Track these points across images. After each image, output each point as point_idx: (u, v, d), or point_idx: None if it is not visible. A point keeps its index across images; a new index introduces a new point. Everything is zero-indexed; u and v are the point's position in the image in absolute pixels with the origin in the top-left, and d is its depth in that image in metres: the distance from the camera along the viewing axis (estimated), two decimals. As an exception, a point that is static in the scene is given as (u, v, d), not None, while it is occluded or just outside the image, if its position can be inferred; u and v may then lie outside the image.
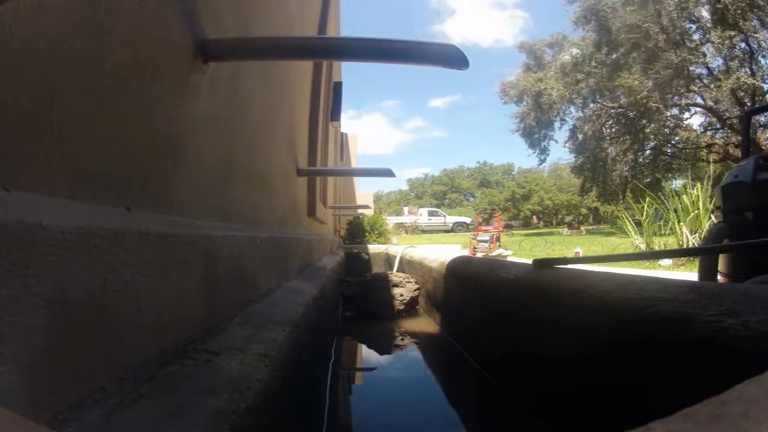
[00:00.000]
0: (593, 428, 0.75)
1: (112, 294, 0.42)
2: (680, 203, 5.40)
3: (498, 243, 8.79)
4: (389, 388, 1.40)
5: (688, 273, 3.91)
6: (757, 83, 11.07)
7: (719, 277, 0.87)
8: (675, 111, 13.51)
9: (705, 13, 11.52)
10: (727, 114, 12.15)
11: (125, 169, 0.50)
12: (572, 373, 0.84)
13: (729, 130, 12.13)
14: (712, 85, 12.06)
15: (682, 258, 4.84)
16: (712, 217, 4.62)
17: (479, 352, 1.43)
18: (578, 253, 4.93)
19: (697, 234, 4.96)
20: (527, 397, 1.03)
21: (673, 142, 13.79)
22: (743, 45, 11.28)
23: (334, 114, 4.09)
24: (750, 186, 0.88)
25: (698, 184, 5.29)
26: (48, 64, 0.37)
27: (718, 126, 12.91)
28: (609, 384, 0.74)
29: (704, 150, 13.00)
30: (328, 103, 3.80)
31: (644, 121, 12.98)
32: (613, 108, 13.69)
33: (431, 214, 24.86)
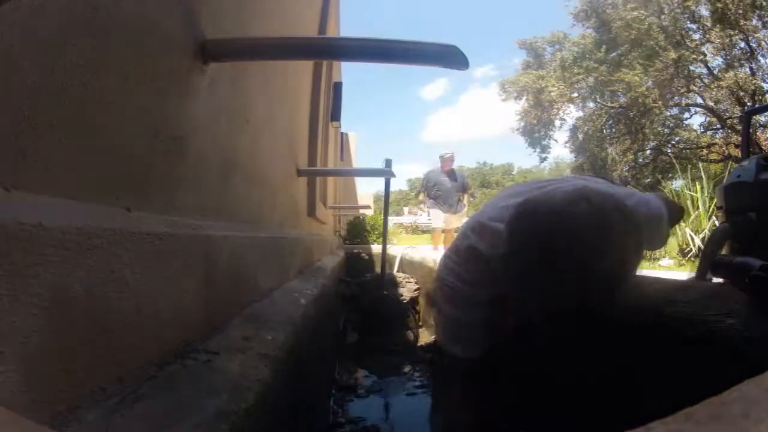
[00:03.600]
0: (594, 428, 0.74)
1: (112, 294, 0.42)
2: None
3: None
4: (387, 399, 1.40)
5: (689, 273, 3.91)
6: (757, 83, 11.06)
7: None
8: (675, 111, 13.50)
9: (705, 12, 11.52)
10: (727, 114, 12.15)
11: (125, 169, 0.50)
12: (572, 374, 0.84)
13: (729, 130, 12.12)
14: (712, 85, 12.06)
15: (683, 257, 4.84)
16: (714, 217, 4.61)
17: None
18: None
19: (698, 234, 4.95)
20: (523, 398, 1.03)
21: (673, 142, 13.79)
22: (743, 44, 11.28)
23: (335, 114, 4.09)
24: (753, 186, 0.88)
25: (698, 185, 5.29)
26: (48, 64, 0.37)
27: (718, 126, 12.90)
28: (609, 384, 0.74)
29: (704, 150, 13.00)
30: (328, 103, 3.80)
31: (644, 121, 12.98)
32: (612, 107, 13.69)
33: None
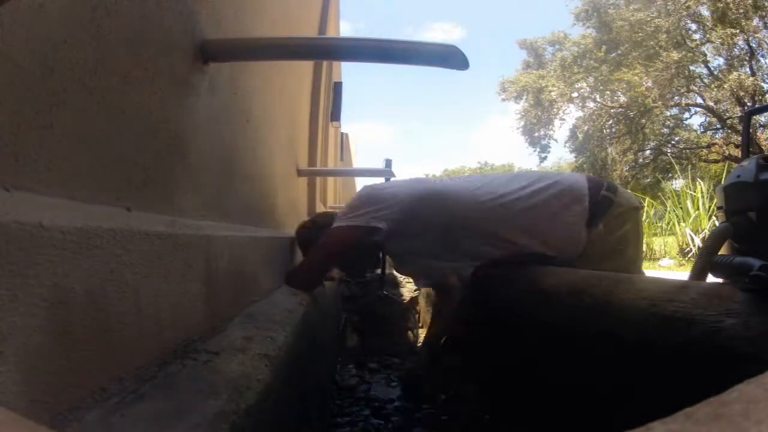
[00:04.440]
0: (594, 428, 0.74)
1: (112, 294, 0.42)
2: (680, 204, 5.39)
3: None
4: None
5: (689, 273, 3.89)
6: (757, 83, 11.07)
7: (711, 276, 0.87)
8: (675, 111, 13.52)
9: (706, 12, 11.52)
10: (727, 114, 12.15)
11: (125, 169, 0.50)
12: (573, 375, 0.84)
13: (729, 130, 12.13)
14: (712, 85, 12.06)
15: (683, 257, 4.84)
16: (714, 217, 4.61)
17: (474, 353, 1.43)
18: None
19: (698, 234, 4.95)
20: (513, 399, 1.03)
21: (673, 142, 13.80)
22: (743, 44, 11.29)
23: (334, 114, 4.09)
24: (753, 186, 0.88)
25: (698, 185, 5.29)
26: (48, 64, 0.37)
27: (718, 126, 12.91)
28: (610, 384, 0.74)
29: (704, 150, 13.01)
30: (328, 103, 3.79)
31: (644, 121, 12.99)
32: (613, 107, 13.70)
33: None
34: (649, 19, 11.58)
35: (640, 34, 11.67)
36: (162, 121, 0.59)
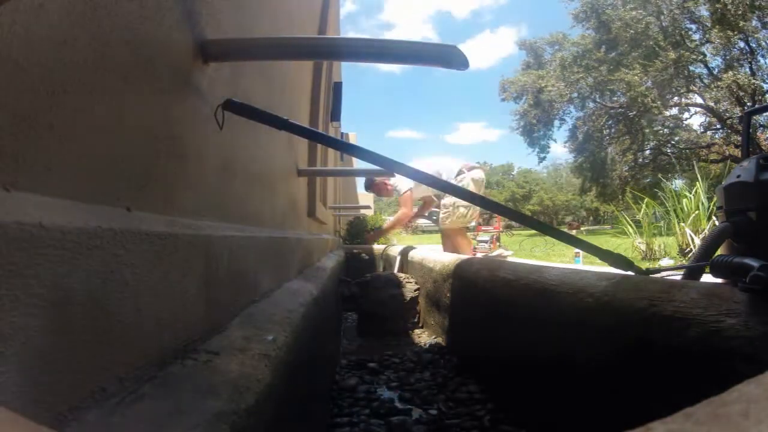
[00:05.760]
0: (595, 428, 0.75)
1: (112, 294, 0.42)
2: (679, 204, 5.39)
3: (498, 243, 8.77)
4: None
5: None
6: (757, 83, 11.08)
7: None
8: (675, 111, 13.54)
9: (705, 12, 11.54)
10: (727, 114, 12.17)
11: (125, 169, 0.50)
12: (573, 375, 0.84)
13: (729, 130, 12.14)
14: (712, 85, 12.09)
15: (683, 257, 4.84)
16: (714, 218, 4.60)
17: (476, 356, 1.43)
18: (578, 254, 4.93)
19: (698, 234, 4.95)
20: (508, 396, 1.03)
21: (673, 142, 13.82)
22: (743, 44, 11.30)
23: (334, 114, 4.09)
24: (753, 186, 0.88)
25: (698, 184, 5.28)
26: (48, 64, 0.37)
27: (718, 126, 12.93)
28: (609, 384, 0.74)
29: (704, 150, 13.03)
30: (328, 103, 3.79)
31: (644, 121, 13.01)
32: (612, 108, 13.71)
33: (430, 214, 24.80)
34: (641, 17, 11.63)
35: (632, 31, 11.71)
36: (162, 121, 0.59)
